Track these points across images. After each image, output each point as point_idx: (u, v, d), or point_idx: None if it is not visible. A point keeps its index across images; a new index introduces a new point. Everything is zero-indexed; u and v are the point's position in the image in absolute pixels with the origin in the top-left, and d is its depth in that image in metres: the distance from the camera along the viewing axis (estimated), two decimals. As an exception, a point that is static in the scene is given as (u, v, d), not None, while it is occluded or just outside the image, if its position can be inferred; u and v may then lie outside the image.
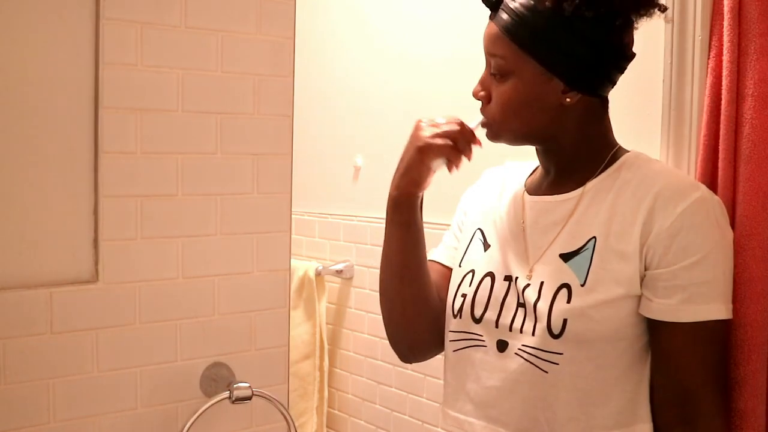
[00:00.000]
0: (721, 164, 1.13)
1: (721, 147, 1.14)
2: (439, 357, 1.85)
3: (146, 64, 1.27)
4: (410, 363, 1.33)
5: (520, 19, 1.05)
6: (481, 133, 1.15)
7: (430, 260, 1.28)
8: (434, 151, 1.11)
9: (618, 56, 1.08)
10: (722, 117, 1.13)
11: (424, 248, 1.21)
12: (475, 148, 1.14)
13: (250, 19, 1.37)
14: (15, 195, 1.19)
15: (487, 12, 1.13)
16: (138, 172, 1.28)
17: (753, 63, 1.11)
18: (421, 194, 1.17)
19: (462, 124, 1.13)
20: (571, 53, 1.05)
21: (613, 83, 1.11)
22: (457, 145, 1.11)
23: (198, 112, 1.33)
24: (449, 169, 1.14)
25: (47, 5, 1.20)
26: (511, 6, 1.06)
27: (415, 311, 1.21)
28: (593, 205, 1.08)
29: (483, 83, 1.13)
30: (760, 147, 1.09)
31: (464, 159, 1.14)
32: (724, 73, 1.13)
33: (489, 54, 1.11)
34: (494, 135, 1.14)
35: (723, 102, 1.13)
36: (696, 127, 1.19)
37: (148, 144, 1.28)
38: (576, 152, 1.12)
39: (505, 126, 1.11)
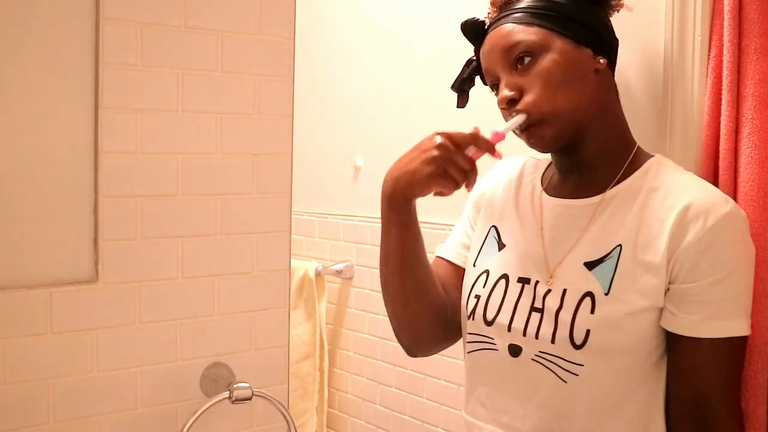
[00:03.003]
0: (721, 164, 1.13)
1: (721, 147, 1.13)
2: (440, 358, 1.85)
3: (146, 64, 1.27)
4: (415, 357, 1.30)
5: (534, 7, 1.09)
6: (505, 141, 1.09)
7: (437, 256, 1.28)
8: (438, 180, 1.04)
9: (613, 32, 1.14)
10: (722, 117, 1.13)
11: (422, 242, 1.18)
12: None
13: (250, 19, 1.37)
14: (15, 195, 1.19)
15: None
16: (138, 172, 1.28)
17: (753, 63, 1.11)
18: (420, 196, 1.14)
19: (476, 141, 1.04)
20: (588, 23, 1.09)
21: (615, 63, 1.15)
22: (464, 180, 1.04)
23: (198, 112, 1.33)
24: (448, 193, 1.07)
25: (47, 5, 1.20)
26: (519, 6, 1.11)
27: (417, 305, 1.20)
28: (619, 212, 1.07)
29: (509, 85, 1.08)
30: (761, 147, 1.09)
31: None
32: (724, 73, 1.13)
33: (509, 48, 1.08)
34: (540, 122, 1.06)
35: (723, 102, 1.13)
36: (696, 127, 1.19)
37: (148, 144, 1.28)
38: (605, 143, 1.11)
39: (549, 104, 1.06)
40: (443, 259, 1.27)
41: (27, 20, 1.19)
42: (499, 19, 1.12)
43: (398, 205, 1.11)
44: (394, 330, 1.25)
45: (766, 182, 1.08)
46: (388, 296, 1.22)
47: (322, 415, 2.24)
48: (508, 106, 1.08)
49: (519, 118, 1.07)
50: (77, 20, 1.22)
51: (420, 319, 1.21)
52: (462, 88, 1.24)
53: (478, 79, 1.23)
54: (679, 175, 1.07)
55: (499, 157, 1.07)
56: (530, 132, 1.08)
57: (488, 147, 1.04)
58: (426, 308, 1.20)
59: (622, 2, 1.17)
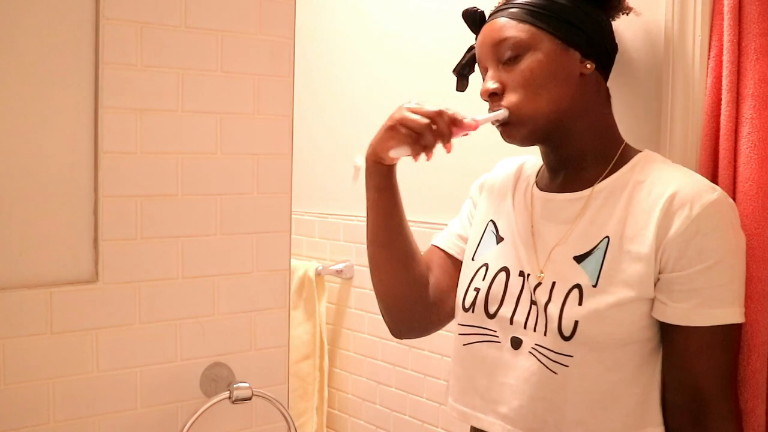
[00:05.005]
0: (721, 164, 1.13)
1: (721, 147, 1.14)
2: (439, 358, 1.86)
3: (146, 64, 1.27)
4: (401, 338, 1.32)
5: (530, 4, 1.10)
6: (481, 130, 1.13)
7: (432, 245, 1.30)
8: (394, 138, 1.10)
9: (612, 37, 1.15)
10: (722, 117, 1.13)
11: (400, 213, 1.21)
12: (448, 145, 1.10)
13: (250, 19, 1.37)
14: (15, 195, 1.19)
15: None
16: (138, 172, 1.28)
17: (753, 63, 1.11)
18: (391, 162, 1.17)
19: (438, 118, 1.08)
20: (581, 26, 1.10)
21: (611, 67, 1.16)
22: (420, 139, 1.08)
23: (198, 112, 1.33)
24: (414, 158, 1.11)
25: (47, 5, 1.20)
26: (517, 1, 1.12)
27: (394, 276, 1.22)
28: (607, 205, 1.08)
29: (493, 78, 1.11)
30: (760, 147, 1.09)
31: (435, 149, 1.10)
32: (724, 73, 1.13)
33: (498, 43, 1.11)
34: (518, 122, 1.09)
35: (723, 102, 1.13)
36: (696, 127, 1.19)
37: (148, 144, 1.28)
38: (589, 142, 1.12)
39: (530, 105, 1.08)
40: (437, 247, 1.29)
41: (26, 20, 1.18)
42: (497, 11, 1.14)
43: (372, 167, 1.19)
44: (379, 308, 1.27)
45: (765, 182, 1.08)
46: (370, 268, 1.25)
47: (322, 415, 2.24)
48: (490, 98, 1.12)
49: (501, 113, 1.10)
50: (77, 20, 1.22)
51: (396, 291, 1.23)
52: (462, 72, 1.28)
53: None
54: (665, 167, 1.08)
55: (449, 150, 1.10)
56: (505, 128, 1.11)
57: (446, 128, 1.08)
58: (402, 280, 1.22)
59: (628, 5, 1.17)
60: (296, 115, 1.44)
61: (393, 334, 1.30)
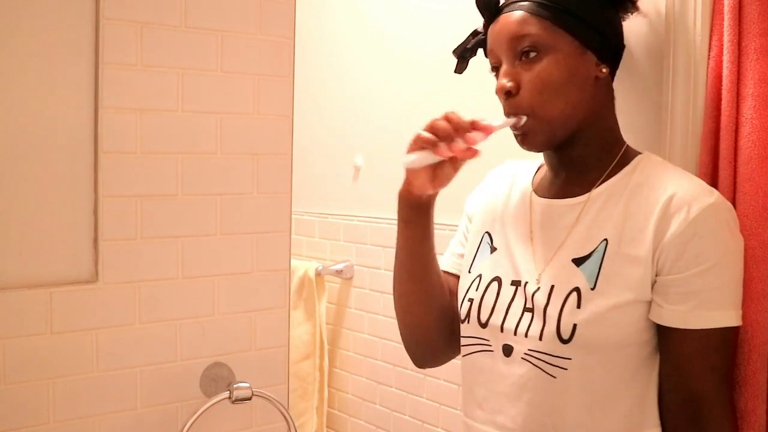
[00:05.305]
0: (721, 164, 1.13)
1: (721, 147, 1.13)
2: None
3: (146, 64, 1.27)
4: (424, 367, 1.31)
5: (550, 0, 1.07)
6: (496, 136, 1.09)
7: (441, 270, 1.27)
8: (411, 150, 1.06)
9: (623, 38, 1.14)
10: (722, 117, 1.13)
11: (431, 247, 1.18)
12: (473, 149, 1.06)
13: (250, 19, 1.37)
14: (15, 195, 1.19)
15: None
16: (138, 172, 1.28)
17: (753, 63, 1.11)
18: (418, 195, 1.13)
19: (450, 114, 1.05)
20: (597, 28, 1.08)
21: (617, 68, 1.15)
22: (436, 134, 1.04)
23: (198, 112, 1.33)
24: (437, 153, 1.05)
25: (47, 5, 1.20)
26: None
27: (423, 310, 1.20)
28: (606, 208, 1.07)
29: (508, 75, 1.08)
30: (760, 147, 1.09)
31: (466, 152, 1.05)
32: (724, 73, 1.13)
33: (517, 38, 1.07)
34: (535, 130, 1.07)
35: (723, 102, 1.13)
36: (696, 127, 1.19)
37: (148, 144, 1.28)
38: (595, 145, 1.11)
39: (548, 111, 1.06)
40: (446, 272, 1.27)
41: (27, 20, 1.18)
42: (513, 2, 1.11)
43: (401, 200, 1.15)
44: (403, 339, 1.25)
45: (765, 181, 1.08)
46: (397, 300, 1.22)
47: (322, 415, 2.24)
48: (505, 96, 1.09)
49: (512, 120, 1.08)
50: (77, 20, 1.22)
51: (426, 325, 1.21)
52: (463, 55, 1.25)
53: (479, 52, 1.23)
54: (664, 170, 1.08)
55: (474, 154, 1.06)
56: (523, 136, 1.09)
57: (459, 118, 1.04)
58: (432, 315, 1.20)
59: (638, 6, 1.16)
60: (296, 115, 1.44)
61: (417, 365, 1.29)
